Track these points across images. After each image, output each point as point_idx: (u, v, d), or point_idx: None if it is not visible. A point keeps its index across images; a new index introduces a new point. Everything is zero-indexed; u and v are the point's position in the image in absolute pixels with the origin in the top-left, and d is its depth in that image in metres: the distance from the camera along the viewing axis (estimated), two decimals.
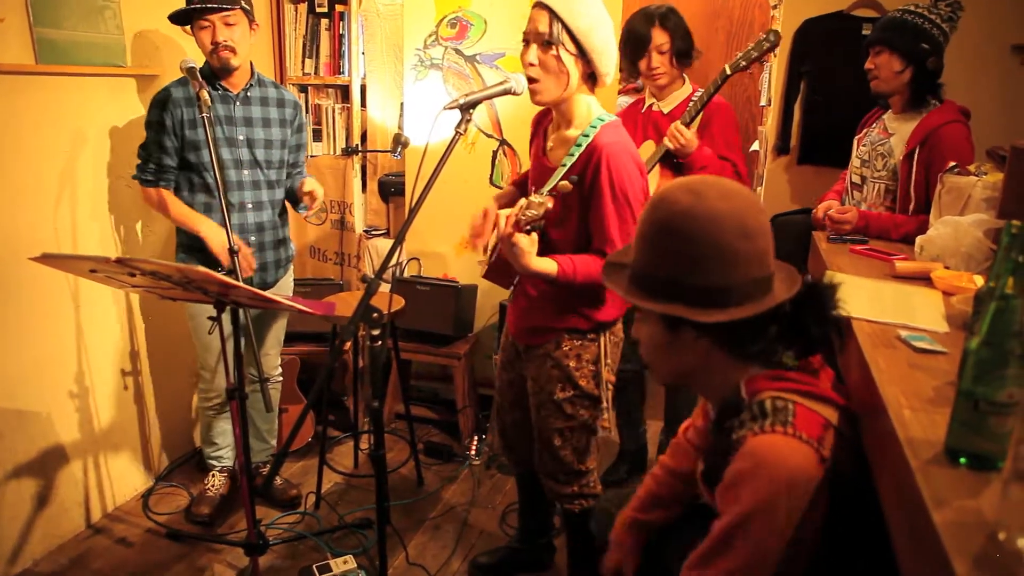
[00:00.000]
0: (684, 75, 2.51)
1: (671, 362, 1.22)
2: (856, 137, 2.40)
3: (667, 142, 2.35)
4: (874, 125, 2.32)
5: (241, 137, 2.38)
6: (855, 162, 2.36)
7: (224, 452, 2.70)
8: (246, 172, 2.40)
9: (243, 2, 2.28)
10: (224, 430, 2.66)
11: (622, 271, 1.23)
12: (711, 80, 2.35)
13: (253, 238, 2.44)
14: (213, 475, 2.70)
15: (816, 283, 1.15)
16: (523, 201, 1.60)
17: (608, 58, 1.72)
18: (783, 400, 1.09)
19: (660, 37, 2.38)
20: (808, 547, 1.08)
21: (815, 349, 1.16)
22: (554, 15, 1.64)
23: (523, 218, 1.59)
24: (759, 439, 1.06)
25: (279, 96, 2.48)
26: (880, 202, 2.25)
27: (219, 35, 2.23)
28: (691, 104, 2.38)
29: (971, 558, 0.69)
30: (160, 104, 2.29)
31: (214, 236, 2.30)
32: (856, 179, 2.34)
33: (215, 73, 2.32)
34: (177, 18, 2.26)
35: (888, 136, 2.23)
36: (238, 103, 2.37)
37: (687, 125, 2.34)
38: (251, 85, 2.40)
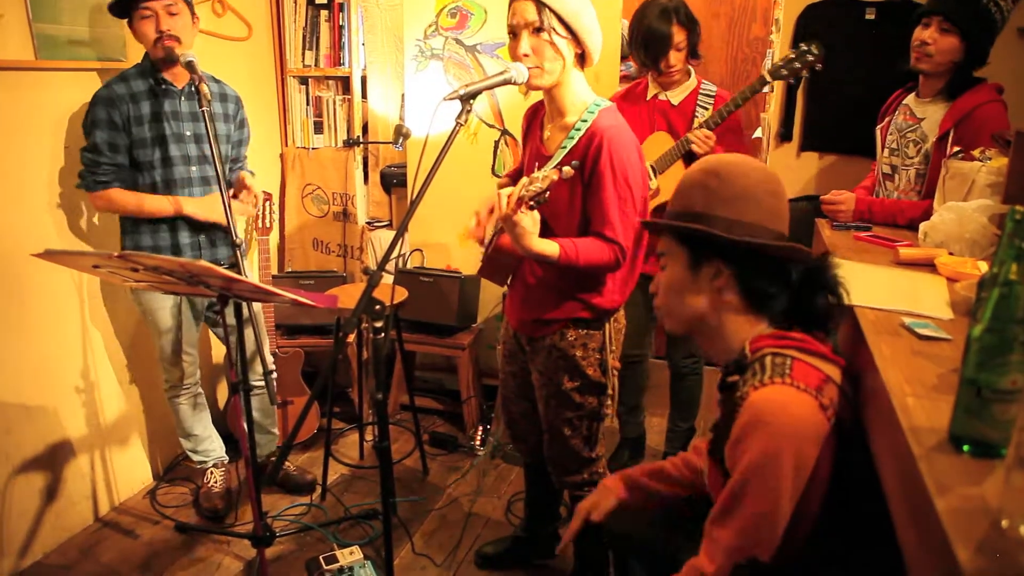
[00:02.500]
0: (691, 68, 2.50)
1: (687, 306, 1.28)
2: (879, 127, 2.31)
3: (696, 148, 2.33)
4: (897, 111, 2.23)
5: (188, 133, 2.32)
6: (883, 152, 2.27)
7: (208, 444, 2.67)
8: (194, 168, 2.35)
9: None
10: (200, 419, 2.63)
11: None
12: (739, 81, 2.34)
13: (203, 236, 2.40)
14: (210, 472, 2.68)
15: (820, 258, 1.24)
16: (524, 179, 1.60)
17: (596, 37, 1.74)
18: (781, 356, 1.15)
19: (679, 35, 2.35)
20: (815, 501, 1.11)
21: (817, 325, 1.22)
22: (540, 3, 1.65)
23: (526, 194, 1.57)
24: (759, 392, 1.11)
25: (221, 91, 2.44)
26: (912, 188, 2.17)
27: (163, 24, 2.15)
28: (722, 107, 2.32)
29: (974, 545, 0.69)
30: (106, 102, 2.21)
31: (200, 207, 2.30)
32: (887, 169, 2.26)
33: (156, 67, 2.25)
34: (116, 9, 2.18)
35: (917, 121, 2.14)
36: (183, 98, 2.31)
37: (712, 128, 2.32)
38: (194, 80, 2.36)
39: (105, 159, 2.24)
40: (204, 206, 2.33)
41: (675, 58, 2.38)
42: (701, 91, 2.46)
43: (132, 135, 2.24)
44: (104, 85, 2.26)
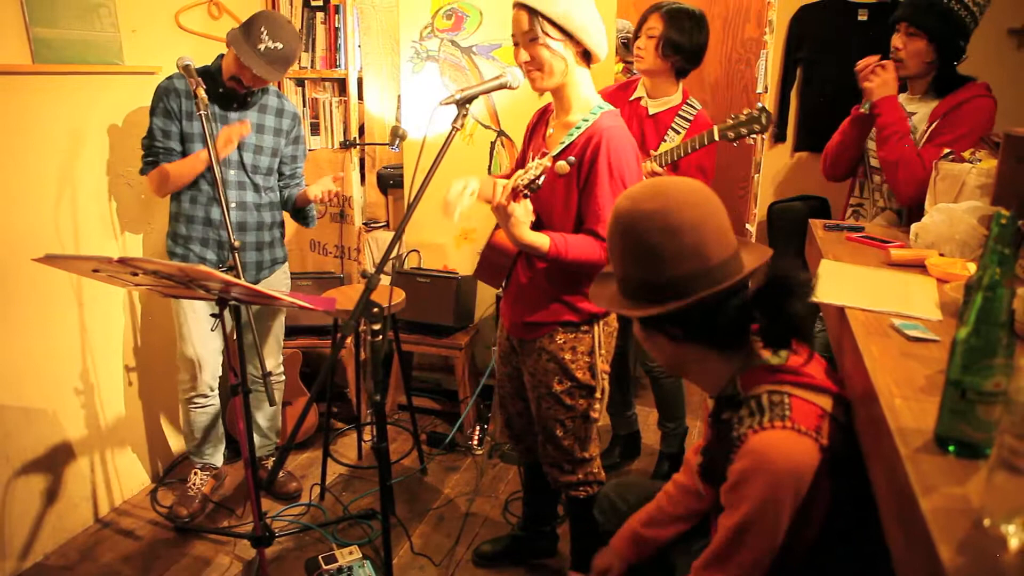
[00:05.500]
0: (679, 83, 2.45)
1: (658, 355, 1.29)
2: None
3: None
4: None
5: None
6: (870, 145, 2.29)
7: (204, 449, 2.68)
8: (232, 172, 2.42)
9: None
10: (204, 426, 2.63)
11: (611, 278, 1.31)
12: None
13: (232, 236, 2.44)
14: (195, 472, 2.69)
15: (777, 277, 1.16)
16: (520, 172, 1.62)
17: (594, 32, 1.74)
18: (779, 394, 1.12)
19: (653, 22, 2.37)
20: (814, 528, 1.11)
21: (783, 342, 1.18)
22: (531, 11, 1.67)
23: (520, 183, 1.60)
24: (760, 436, 1.09)
25: (279, 105, 2.51)
26: None
27: (247, 81, 2.30)
28: (672, 146, 2.32)
29: (956, 543, 0.71)
30: (164, 92, 2.34)
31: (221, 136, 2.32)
32: (875, 162, 2.28)
33: (222, 72, 2.35)
34: (233, 39, 2.26)
35: (908, 116, 2.18)
36: (236, 105, 2.40)
37: (663, 165, 2.32)
38: (252, 91, 2.41)
39: (158, 143, 2.35)
40: (223, 135, 2.32)
41: (643, 43, 2.39)
42: (680, 111, 2.43)
43: (182, 128, 2.35)
44: (167, 77, 2.36)
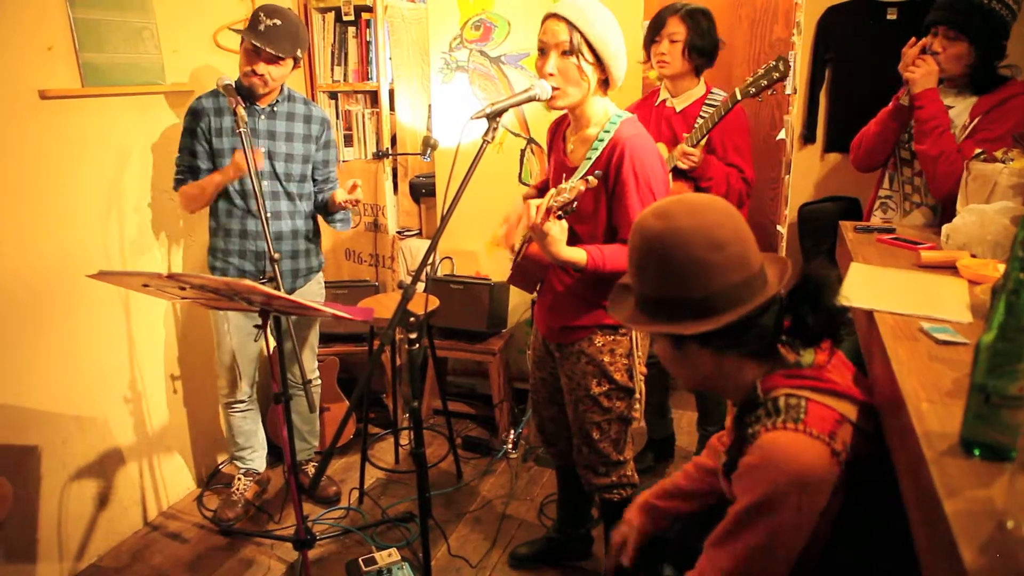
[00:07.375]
0: (700, 77, 2.47)
1: (687, 372, 1.29)
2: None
3: (678, 163, 2.36)
4: None
5: (263, 149, 2.46)
6: (903, 137, 2.27)
7: (246, 454, 2.76)
8: (265, 183, 2.48)
9: (297, 52, 2.39)
10: (244, 431, 2.71)
11: (628, 294, 1.32)
12: (731, 81, 2.34)
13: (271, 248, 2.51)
14: (239, 478, 2.78)
15: (811, 274, 1.18)
16: (552, 191, 1.65)
17: (621, 62, 1.78)
18: (796, 397, 1.13)
19: (675, 26, 2.37)
20: (821, 535, 1.13)
21: (818, 339, 1.19)
22: (572, 26, 1.69)
23: (554, 204, 1.62)
24: (770, 435, 1.11)
25: (307, 112, 2.56)
26: None
27: (260, 68, 2.34)
28: (699, 124, 2.35)
29: (978, 545, 0.73)
30: (192, 113, 2.44)
31: (230, 167, 2.38)
32: (906, 155, 2.26)
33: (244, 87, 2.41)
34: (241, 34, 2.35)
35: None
36: (263, 116, 2.46)
37: (694, 145, 2.33)
38: (278, 100, 2.48)
39: (185, 163, 2.47)
40: (235, 163, 2.38)
41: (666, 47, 2.39)
42: (707, 100, 2.44)
43: (213, 145, 2.44)
44: (196, 98, 2.47)
